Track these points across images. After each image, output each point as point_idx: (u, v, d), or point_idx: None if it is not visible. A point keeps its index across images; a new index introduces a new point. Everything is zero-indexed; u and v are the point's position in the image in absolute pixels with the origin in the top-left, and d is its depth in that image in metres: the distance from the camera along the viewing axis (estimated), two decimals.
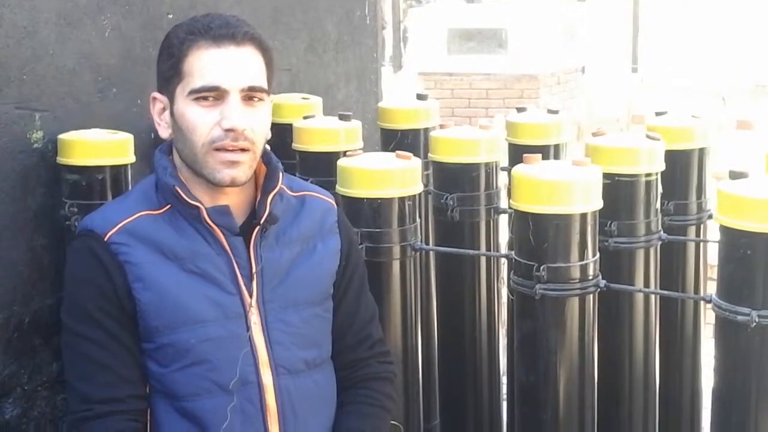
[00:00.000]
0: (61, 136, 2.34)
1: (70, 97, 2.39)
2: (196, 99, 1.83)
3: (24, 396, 2.32)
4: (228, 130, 1.81)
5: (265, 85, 1.87)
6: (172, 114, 1.88)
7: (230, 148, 1.82)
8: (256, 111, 1.85)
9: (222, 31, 1.84)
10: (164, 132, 1.91)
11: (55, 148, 2.34)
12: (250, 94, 1.84)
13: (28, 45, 2.28)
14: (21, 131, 2.28)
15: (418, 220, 2.41)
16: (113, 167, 2.37)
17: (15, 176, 2.27)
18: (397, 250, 2.36)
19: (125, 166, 2.40)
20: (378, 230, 2.33)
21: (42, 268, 2.33)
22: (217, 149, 1.83)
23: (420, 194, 2.42)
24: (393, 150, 2.63)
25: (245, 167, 1.85)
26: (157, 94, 1.91)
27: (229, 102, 1.82)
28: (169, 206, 1.88)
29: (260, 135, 1.87)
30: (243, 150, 1.84)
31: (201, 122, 1.83)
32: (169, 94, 1.87)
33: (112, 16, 2.48)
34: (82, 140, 2.35)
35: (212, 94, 1.82)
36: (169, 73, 1.87)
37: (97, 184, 2.35)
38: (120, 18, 2.50)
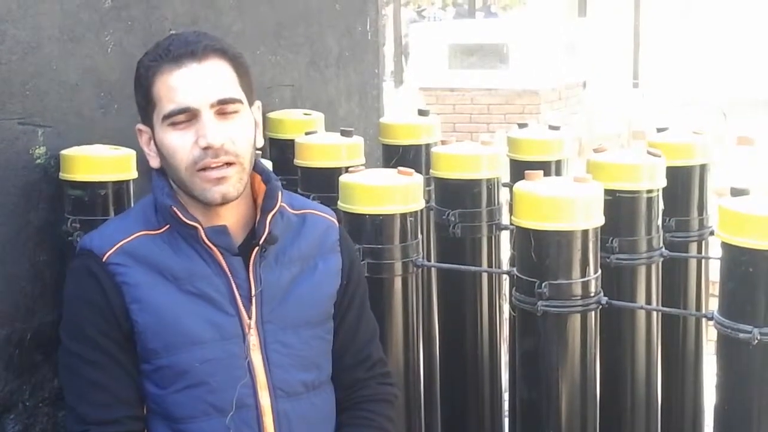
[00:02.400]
0: (63, 152, 2.34)
1: (72, 113, 2.40)
2: (171, 124, 1.82)
3: (25, 412, 2.31)
4: (206, 149, 1.80)
5: (237, 95, 1.85)
6: (155, 143, 1.87)
7: (213, 166, 1.81)
8: (233, 123, 1.83)
9: (181, 50, 1.82)
10: (154, 162, 1.90)
11: (58, 164, 2.34)
12: (222, 108, 1.82)
13: (31, 61, 2.28)
14: (24, 147, 2.28)
15: (419, 236, 2.41)
16: (115, 183, 2.37)
17: (17, 192, 2.27)
18: (398, 267, 2.36)
19: (127, 181, 2.40)
20: (379, 246, 2.33)
21: (44, 284, 2.33)
22: (201, 169, 1.81)
23: (422, 210, 2.42)
24: (394, 166, 2.64)
25: (234, 181, 1.83)
26: (141, 126, 1.91)
27: (201, 120, 1.80)
28: (168, 226, 1.87)
29: (243, 145, 1.84)
30: (228, 164, 1.82)
31: (179, 146, 1.82)
32: (149, 123, 1.87)
33: (114, 32, 2.49)
34: (85, 156, 2.35)
35: (184, 116, 1.81)
36: (143, 103, 1.87)
37: (99, 200, 2.35)
38: (122, 34, 2.51)
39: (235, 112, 1.84)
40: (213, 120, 1.81)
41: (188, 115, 1.81)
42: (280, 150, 2.95)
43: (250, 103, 1.89)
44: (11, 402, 2.29)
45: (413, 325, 2.42)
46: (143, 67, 1.86)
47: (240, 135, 1.84)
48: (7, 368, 2.27)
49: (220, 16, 2.84)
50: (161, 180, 1.89)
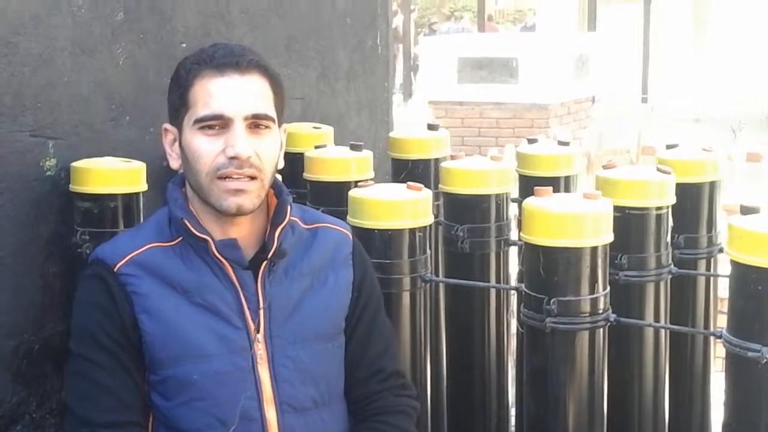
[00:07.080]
0: (74, 164, 2.35)
1: (83, 125, 2.41)
2: (202, 128, 1.83)
3: (32, 424, 2.32)
4: (232, 158, 1.81)
5: (271, 113, 1.87)
6: (180, 145, 1.88)
7: (235, 176, 1.82)
8: (263, 139, 1.85)
9: (226, 59, 1.85)
10: (175, 163, 1.92)
11: (68, 176, 2.35)
12: (255, 122, 1.84)
13: (43, 73, 2.29)
14: (34, 159, 2.29)
15: (428, 251, 2.41)
16: (125, 195, 2.38)
17: (28, 203, 2.28)
18: (407, 281, 2.36)
19: (137, 194, 2.41)
20: (388, 261, 2.33)
21: (53, 296, 2.33)
22: (221, 177, 1.82)
23: (430, 225, 2.42)
24: (404, 180, 2.63)
25: (252, 196, 1.84)
26: (168, 126, 1.93)
27: (233, 130, 1.82)
28: (180, 239, 1.88)
29: (268, 162, 1.86)
30: (250, 177, 1.83)
31: (206, 151, 1.83)
32: (178, 124, 1.88)
33: (126, 45, 2.50)
34: (95, 168, 2.36)
35: (217, 123, 1.83)
36: (177, 104, 1.88)
37: (109, 212, 2.36)
38: (134, 47, 2.52)
39: (267, 128, 1.86)
40: (244, 132, 1.82)
41: (221, 123, 1.83)
42: (289, 163, 2.92)
43: (279, 124, 1.91)
44: (18, 413, 2.29)
45: (421, 340, 2.42)
46: (184, 69, 1.88)
47: (267, 151, 1.86)
48: (14, 379, 2.27)
49: (231, 29, 2.85)
50: (176, 192, 1.91)
